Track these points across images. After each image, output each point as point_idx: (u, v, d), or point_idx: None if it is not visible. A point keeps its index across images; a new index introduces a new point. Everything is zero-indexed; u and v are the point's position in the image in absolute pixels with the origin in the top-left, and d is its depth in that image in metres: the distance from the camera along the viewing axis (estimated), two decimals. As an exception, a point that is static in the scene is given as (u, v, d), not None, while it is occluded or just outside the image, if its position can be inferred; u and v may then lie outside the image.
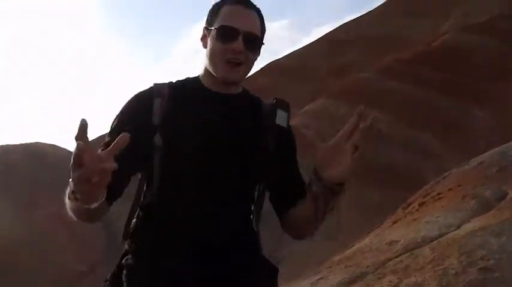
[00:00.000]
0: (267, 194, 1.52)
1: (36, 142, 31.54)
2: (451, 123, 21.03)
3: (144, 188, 1.42)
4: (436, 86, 22.98)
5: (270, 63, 39.22)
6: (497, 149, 7.70)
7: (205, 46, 1.47)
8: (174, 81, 1.51)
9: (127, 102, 1.43)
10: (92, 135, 1.02)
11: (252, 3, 1.46)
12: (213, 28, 1.42)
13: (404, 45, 29.64)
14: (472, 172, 7.21)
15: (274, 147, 1.44)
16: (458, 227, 6.07)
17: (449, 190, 6.93)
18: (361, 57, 32.38)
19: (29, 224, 22.81)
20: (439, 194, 7.51)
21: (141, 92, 1.45)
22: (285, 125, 1.47)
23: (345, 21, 40.74)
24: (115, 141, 1.04)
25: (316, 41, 40.50)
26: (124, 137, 1.03)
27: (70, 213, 1.28)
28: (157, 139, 1.34)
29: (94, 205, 1.12)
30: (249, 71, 1.46)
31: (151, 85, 1.46)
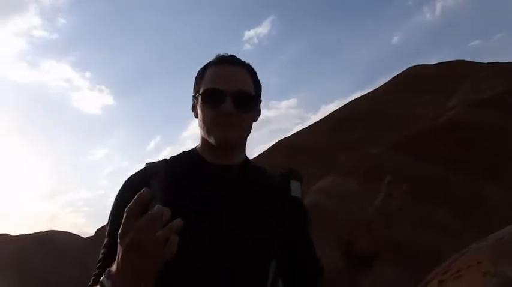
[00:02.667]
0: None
1: (50, 230, 31.59)
2: (467, 199, 20.72)
3: None
4: (448, 161, 22.94)
5: (279, 141, 39.77)
6: (514, 224, 7.51)
7: (196, 116, 1.35)
8: (168, 157, 1.38)
9: (120, 193, 1.30)
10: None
11: (238, 59, 1.34)
12: (199, 94, 1.31)
13: (412, 121, 30.02)
14: (491, 248, 7.00)
15: (288, 220, 1.30)
16: (481, 307, 5.76)
17: (469, 267, 6.69)
18: (370, 134, 32.74)
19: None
20: (458, 271, 7.25)
21: (133, 176, 1.32)
22: (299, 196, 1.35)
23: (353, 98, 41.70)
24: (170, 225, 0.92)
25: (324, 118, 41.30)
26: (178, 223, 0.92)
27: None
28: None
29: None
30: (247, 132, 1.34)
31: (144, 166, 1.34)
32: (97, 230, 50.32)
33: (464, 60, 41.30)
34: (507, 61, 36.96)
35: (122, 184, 1.31)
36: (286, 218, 1.29)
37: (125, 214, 0.91)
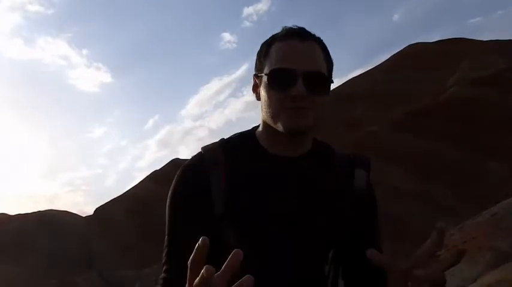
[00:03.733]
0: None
1: (49, 209, 31.75)
2: (465, 175, 20.90)
3: None
4: (447, 138, 23.04)
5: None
6: (509, 200, 7.66)
7: (258, 98, 1.21)
8: (225, 139, 1.26)
9: (178, 185, 1.19)
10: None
11: (309, 33, 1.18)
12: (263, 74, 1.17)
13: (412, 98, 29.98)
14: (486, 224, 7.15)
15: (351, 213, 1.19)
16: (475, 280, 5.95)
17: (464, 242, 6.85)
18: (370, 111, 32.73)
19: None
20: (454, 246, 7.41)
21: (191, 165, 1.20)
22: (364, 187, 1.22)
23: (353, 76, 41.56)
24: (229, 261, 0.81)
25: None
26: (237, 255, 0.81)
27: None
28: (225, 232, 1.11)
29: None
30: (319, 117, 1.19)
31: (200, 151, 1.22)
32: (96, 209, 50.73)
33: (464, 38, 40.99)
34: (507, 38, 36.73)
35: (179, 173, 1.20)
36: (349, 210, 1.19)
37: (188, 266, 0.83)
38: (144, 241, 43.33)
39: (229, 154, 1.19)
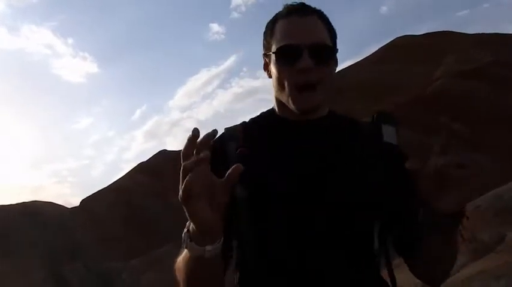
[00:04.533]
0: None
1: (34, 201, 31.50)
2: (450, 167, 21.07)
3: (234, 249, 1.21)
4: (432, 130, 23.20)
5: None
6: (493, 192, 7.74)
7: (270, 76, 1.25)
8: (247, 120, 1.31)
9: None
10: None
11: (309, 7, 1.22)
12: (271, 53, 1.21)
13: (399, 91, 30.15)
14: (470, 216, 7.19)
15: (385, 172, 1.16)
16: (458, 271, 6.02)
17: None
18: (358, 103, 32.87)
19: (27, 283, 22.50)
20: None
21: (212, 141, 1.31)
22: (395, 143, 1.21)
23: (340, 68, 41.59)
24: (229, 172, 0.90)
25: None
26: (238, 168, 0.89)
27: (178, 277, 1.08)
28: (240, 191, 1.12)
29: (209, 248, 0.94)
30: (329, 88, 1.23)
31: (223, 131, 1.27)
32: (82, 200, 50.39)
33: (450, 31, 41.25)
34: (492, 31, 37.04)
35: None
36: (381, 169, 1.15)
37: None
38: (131, 232, 43.23)
39: (248, 128, 1.24)
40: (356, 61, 42.18)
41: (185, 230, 0.97)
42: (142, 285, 29.93)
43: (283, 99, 1.20)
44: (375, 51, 42.79)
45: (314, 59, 1.15)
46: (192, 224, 0.92)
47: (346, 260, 1.12)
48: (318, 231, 1.11)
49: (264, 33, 1.26)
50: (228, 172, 0.89)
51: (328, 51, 1.20)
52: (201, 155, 0.87)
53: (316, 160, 1.16)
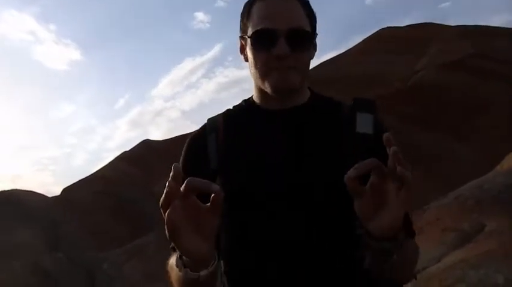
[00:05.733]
0: None
1: (14, 189, 31.06)
2: (430, 158, 21.37)
3: None
4: (416, 121, 23.47)
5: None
6: (474, 182, 7.85)
7: (246, 59, 1.23)
8: (231, 107, 1.30)
9: (183, 153, 1.23)
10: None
11: None
12: (247, 36, 1.18)
13: (382, 82, 30.33)
14: (451, 206, 7.31)
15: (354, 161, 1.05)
16: (439, 260, 6.10)
17: (428, 223, 6.99)
18: (341, 95, 32.89)
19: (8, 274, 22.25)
20: (419, 228, 7.59)
21: (193, 133, 1.26)
22: (371, 132, 1.12)
23: (325, 59, 41.66)
24: (212, 198, 0.87)
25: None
26: (218, 194, 0.87)
27: None
28: (219, 183, 1.10)
29: (203, 273, 0.91)
30: (306, 73, 1.19)
31: (206, 121, 1.27)
32: (64, 189, 49.83)
33: (433, 23, 41.54)
34: (474, 23, 37.44)
35: (185, 145, 1.27)
36: (351, 159, 1.03)
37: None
38: (113, 222, 42.93)
39: (227, 118, 1.24)
40: (340, 52, 42.25)
41: (177, 255, 0.95)
42: (124, 274, 29.81)
43: (259, 83, 1.19)
44: (359, 43, 42.89)
45: (291, 45, 1.12)
46: (171, 239, 0.90)
47: (326, 263, 1.09)
48: (295, 232, 1.09)
49: (241, 14, 1.22)
50: (211, 198, 0.87)
51: (306, 37, 1.16)
52: (181, 189, 0.85)
53: (292, 153, 1.13)
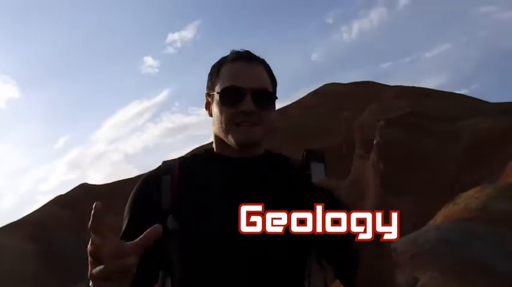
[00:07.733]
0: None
1: None
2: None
3: (167, 280, 1.24)
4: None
5: (198, 148, 39.43)
6: (409, 236, 7.96)
7: (210, 114, 1.31)
8: (186, 155, 1.36)
9: (134, 190, 1.28)
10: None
11: (255, 56, 1.30)
12: (215, 92, 1.27)
13: (325, 135, 31.21)
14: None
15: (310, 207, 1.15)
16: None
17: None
18: (284, 144, 33.50)
19: None
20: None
21: (148, 173, 1.31)
22: (323, 179, 1.19)
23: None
24: (144, 234, 0.87)
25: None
26: (156, 229, 0.87)
27: None
28: (171, 223, 1.16)
29: None
30: (267, 131, 1.28)
31: (160, 164, 1.30)
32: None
33: (374, 82, 43.79)
34: (410, 84, 39.93)
35: (138, 183, 1.30)
36: (308, 207, 1.13)
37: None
38: (42, 269, 40.44)
39: (183, 162, 1.28)
40: (286, 104, 43.34)
41: None
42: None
43: (223, 135, 1.25)
44: (305, 96, 44.29)
45: (256, 102, 1.22)
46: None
47: None
48: (243, 273, 1.13)
49: (210, 73, 1.32)
50: (147, 231, 0.87)
51: (269, 97, 1.28)
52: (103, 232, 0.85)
53: (248, 198, 1.15)
